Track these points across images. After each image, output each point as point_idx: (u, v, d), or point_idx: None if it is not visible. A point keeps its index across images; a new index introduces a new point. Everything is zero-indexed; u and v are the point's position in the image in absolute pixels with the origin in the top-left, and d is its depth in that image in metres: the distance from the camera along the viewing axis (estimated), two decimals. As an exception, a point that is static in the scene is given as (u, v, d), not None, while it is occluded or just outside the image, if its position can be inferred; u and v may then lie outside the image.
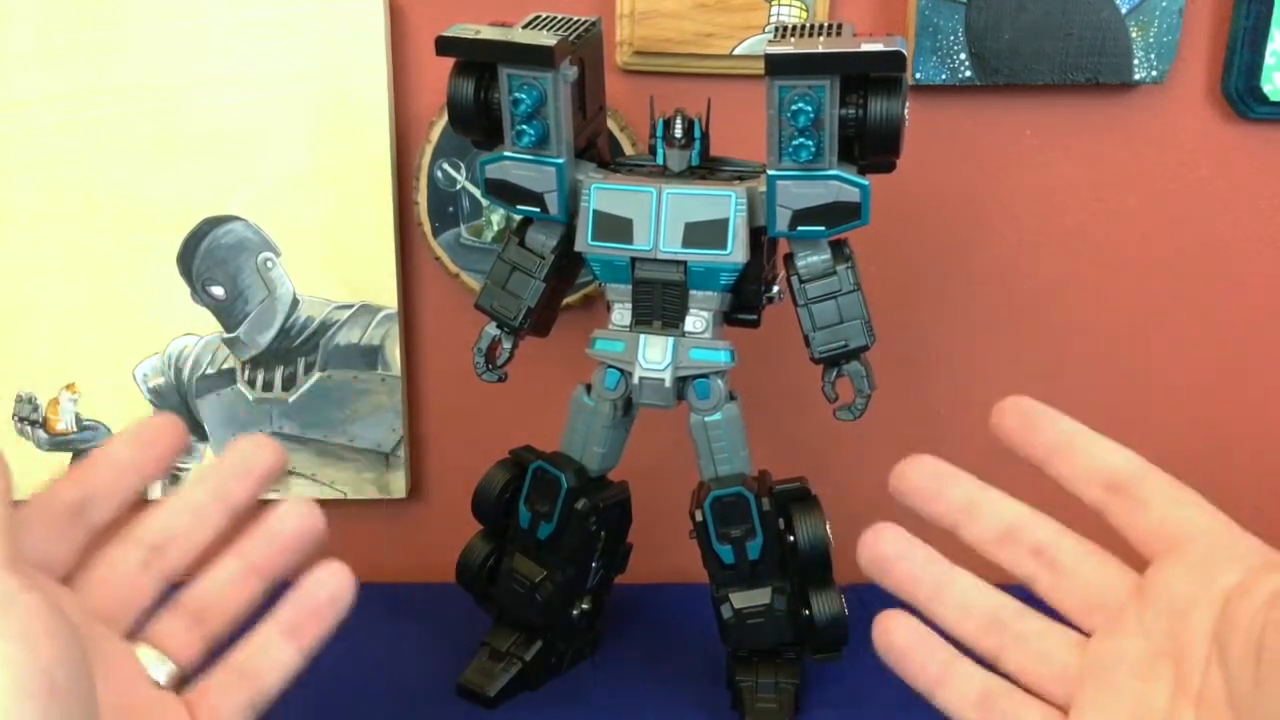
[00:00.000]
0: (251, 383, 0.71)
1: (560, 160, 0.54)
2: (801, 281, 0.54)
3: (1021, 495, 0.38)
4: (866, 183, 0.51)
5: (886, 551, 0.37)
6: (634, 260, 0.55)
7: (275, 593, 0.38)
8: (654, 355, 0.55)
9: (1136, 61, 0.65)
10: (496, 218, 0.69)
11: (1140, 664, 0.34)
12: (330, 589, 0.38)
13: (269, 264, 0.69)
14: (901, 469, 0.37)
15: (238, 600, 0.38)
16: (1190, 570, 0.34)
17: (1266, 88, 0.66)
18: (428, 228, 0.69)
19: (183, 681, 0.36)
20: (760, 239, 0.55)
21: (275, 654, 0.37)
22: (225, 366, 0.71)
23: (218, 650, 0.37)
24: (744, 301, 0.57)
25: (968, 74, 0.65)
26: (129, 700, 0.34)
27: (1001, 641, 0.36)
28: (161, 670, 0.36)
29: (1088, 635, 0.35)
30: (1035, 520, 0.37)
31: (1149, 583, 0.34)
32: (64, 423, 0.71)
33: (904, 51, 0.49)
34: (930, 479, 0.37)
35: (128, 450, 0.38)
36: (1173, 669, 0.33)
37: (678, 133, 0.55)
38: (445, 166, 0.68)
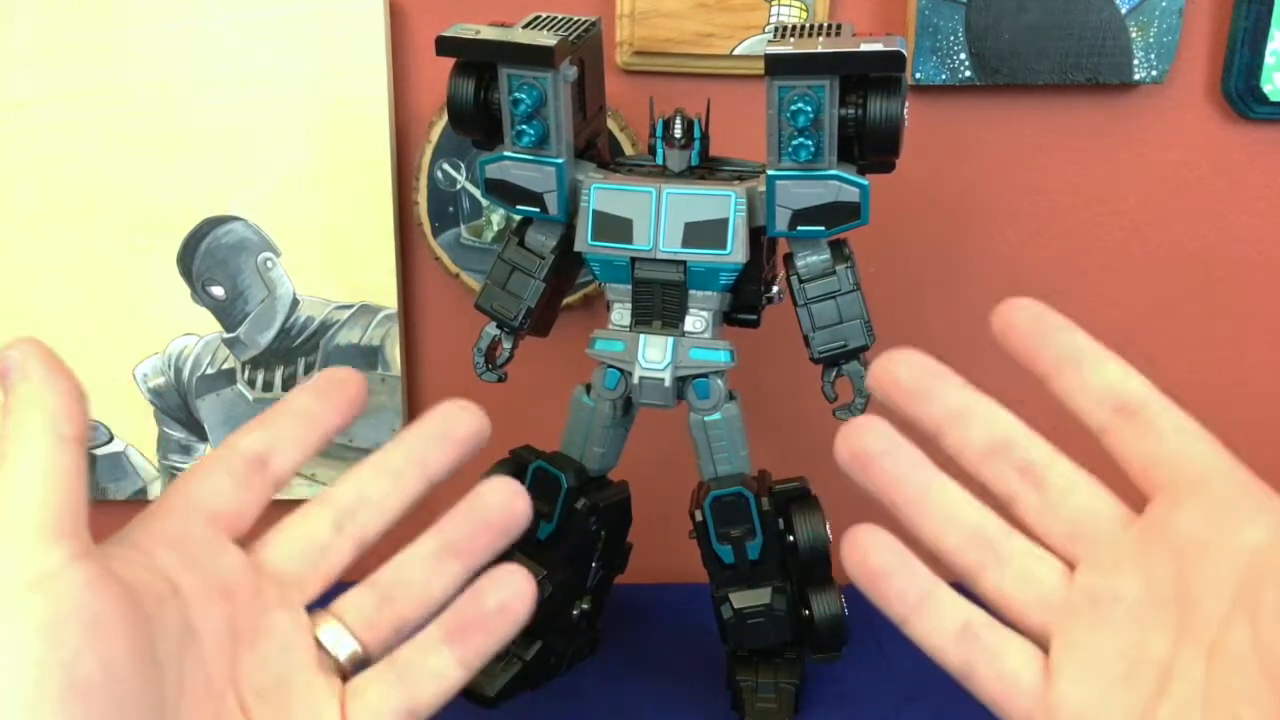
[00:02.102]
0: (251, 383, 0.71)
1: (560, 160, 0.54)
2: (801, 281, 0.54)
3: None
4: (866, 183, 0.51)
5: (870, 447, 0.34)
6: (634, 260, 0.55)
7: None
8: (654, 355, 0.55)
9: (1136, 61, 0.65)
10: (496, 218, 0.69)
11: (1137, 604, 0.31)
12: (504, 596, 0.34)
13: (269, 264, 0.69)
14: (887, 363, 0.34)
15: (434, 584, 0.35)
16: (1206, 514, 0.31)
17: (1266, 88, 0.66)
18: (428, 228, 0.69)
19: (361, 665, 0.34)
20: (760, 239, 0.55)
21: (437, 663, 0.34)
22: (225, 366, 0.71)
23: (407, 637, 0.35)
24: (744, 301, 0.57)
25: (968, 74, 0.65)
26: (283, 683, 0.33)
27: (983, 559, 0.33)
28: (343, 648, 0.34)
29: (1072, 566, 0.33)
30: (1029, 438, 0.34)
31: (1153, 520, 0.32)
32: (64, 423, 0.71)
33: (904, 51, 0.49)
34: (920, 376, 0.34)
35: (310, 401, 0.36)
36: (1177, 616, 0.31)
37: (677, 133, 0.55)
38: (445, 166, 0.68)
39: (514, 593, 0.35)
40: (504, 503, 0.36)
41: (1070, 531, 0.33)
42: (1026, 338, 0.34)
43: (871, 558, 0.34)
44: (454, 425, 0.37)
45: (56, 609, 0.28)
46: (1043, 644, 0.33)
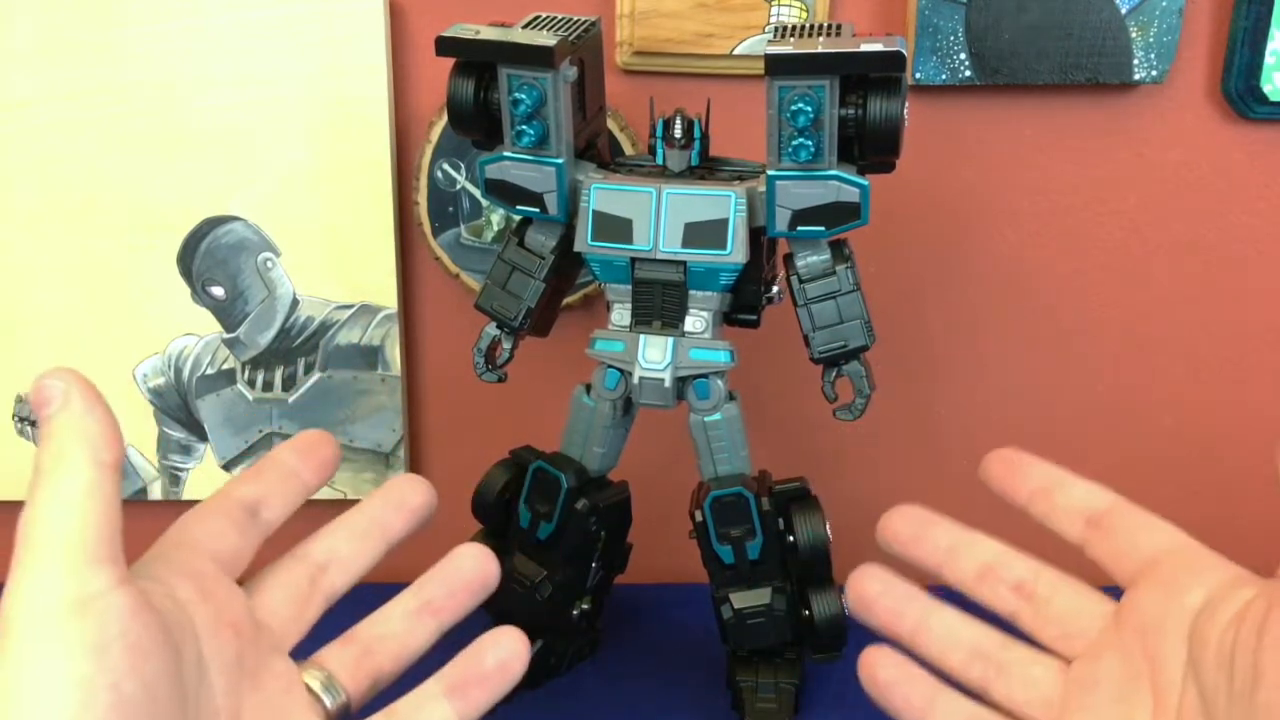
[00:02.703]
0: (251, 383, 0.71)
1: (560, 160, 0.54)
2: (801, 282, 0.54)
3: (1015, 522, 0.39)
4: (866, 183, 0.51)
5: (868, 591, 0.39)
6: (634, 260, 0.55)
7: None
8: (654, 355, 0.55)
9: (1136, 61, 0.65)
10: (496, 218, 0.69)
11: (1119, 685, 0.35)
12: (501, 656, 0.38)
13: (269, 264, 0.69)
14: (885, 519, 0.39)
15: (410, 639, 0.38)
16: (1159, 591, 0.35)
17: (1266, 88, 0.66)
18: (428, 228, 0.69)
19: (346, 714, 0.36)
20: (760, 239, 0.55)
21: (434, 714, 0.37)
22: (225, 366, 0.71)
23: (382, 693, 0.37)
24: (744, 302, 0.57)
25: (968, 74, 0.65)
26: (279, 717, 0.34)
27: (986, 671, 0.37)
28: (331, 698, 0.36)
29: (1068, 662, 0.37)
30: (1013, 558, 0.38)
31: (1124, 607, 0.36)
32: (64, 423, 0.71)
33: (904, 51, 0.49)
34: (912, 526, 0.39)
35: (292, 459, 0.39)
36: (1150, 688, 0.34)
37: (677, 133, 0.55)
38: (445, 166, 0.68)
39: (511, 653, 0.38)
40: (478, 566, 0.40)
41: (1062, 632, 0.37)
42: (1004, 479, 0.39)
43: (880, 674, 0.38)
44: (408, 496, 0.40)
45: (103, 631, 0.29)
46: None
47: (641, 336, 0.55)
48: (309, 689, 0.36)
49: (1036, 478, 0.39)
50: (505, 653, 0.38)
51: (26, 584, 0.29)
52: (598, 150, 0.59)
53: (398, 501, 0.40)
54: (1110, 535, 0.37)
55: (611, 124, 0.66)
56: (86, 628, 0.29)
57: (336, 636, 0.38)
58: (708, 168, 0.56)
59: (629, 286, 0.55)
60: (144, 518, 0.49)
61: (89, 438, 0.31)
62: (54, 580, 0.29)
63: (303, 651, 0.37)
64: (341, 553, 0.38)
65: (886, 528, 0.39)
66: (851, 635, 0.57)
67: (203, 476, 0.72)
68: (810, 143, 0.50)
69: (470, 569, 0.39)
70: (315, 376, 0.71)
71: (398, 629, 0.38)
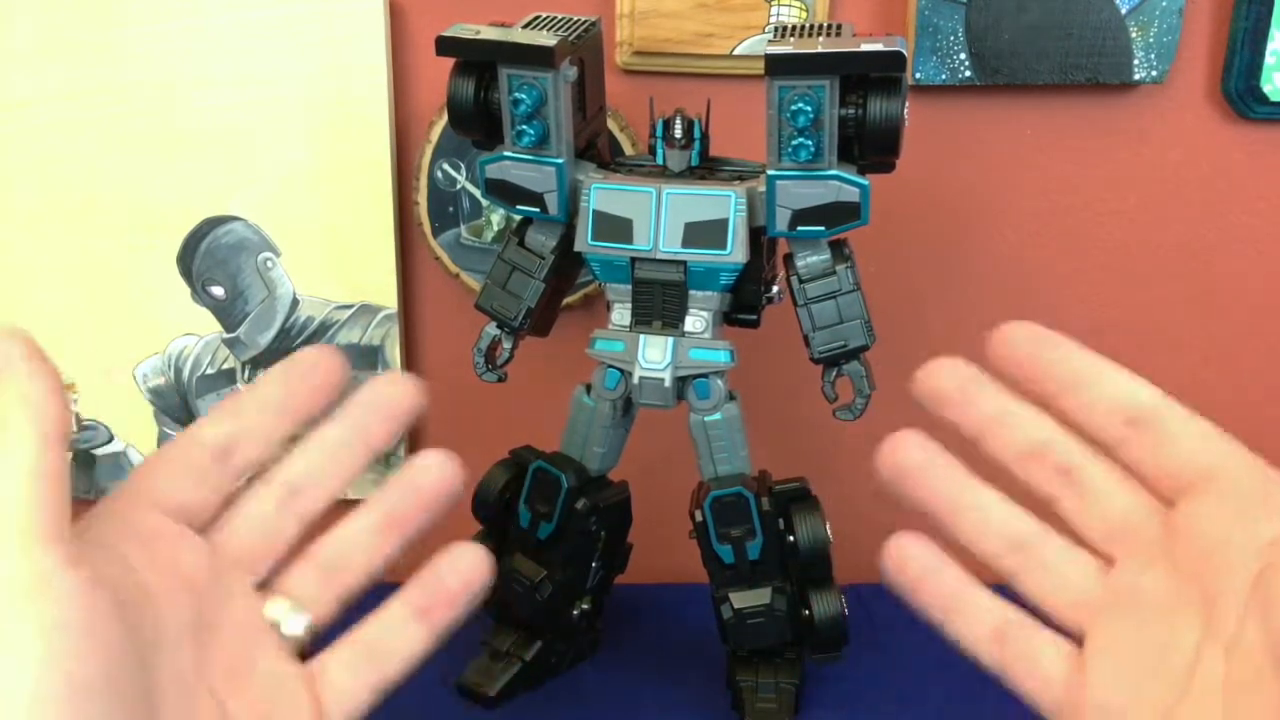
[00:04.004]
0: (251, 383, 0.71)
1: (560, 160, 0.54)
2: (801, 281, 0.54)
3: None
4: (866, 183, 0.51)
5: (908, 460, 0.35)
6: (634, 260, 0.55)
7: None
8: (654, 355, 0.55)
9: (1136, 61, 0.65)
10: (496, 218, 0.69)
11: (1166, 601, 0.32)
12: (465, 572, 0.36)
13: (269, 264, 0.69)
14: (929, 370, 0.35)
15: (374, 556, 0.36)
16: (1224, 509, 0.32)
17: (1266, 88, 0.66)
18: (428, 228, 0.69)
19: (314, 639, 0.34)
20: (760, 239, 0.55)
21: (405, 635, 0.35)
22: (225, 366, 0.71)
23: (349, 609, 0.35)
24: (744, 301, 0.57)
25: (968, 74, 0.65)
26: (249, 666, 0.33)
27: (1020, 561, 0.34)
28: (298, 622, 0.34)
29: (1109, 564, 0.34)
30: (1066, 440, 0.35)
31: (1179, 517, 0.33)
32: (64, 423, 0.71)
33: (904, 51, 0.49)
34: (960, 383, 0.35)
35: (279, 388, 0.35)
36: (1201, 611, 0.31)
37: (677, 133, 0.55)
38: (445, 166, 0.68)
39: (474, 568, 0.36)
40: (438, 472, 0.37)
41: (1107, 530, 0.34)
42: (1028, 362, 0.35)
43: (908, 565, 0.35)
44: (393, 398, 0.37)
45: (57, 613, 0.27)
46: (1079, 640, 0.34)
47: (641, 336, 0.55)
48: (273, 619, 0.34)
49: (1070, 362, 0.34)
50: (468, 568, 0.36)
51: None
52: (598, 150, 0.59)
53: (379, 404, 0.36)
54: (1158, 438, 0.33)
55: (611, 124, 0.66)
56: (37, 612, 0.27)
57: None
58: (708, 168, 0.56)
59: (629, 286, 0.55)
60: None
61: (34, 407, 0.29)
62: (2, 564, 0.27)
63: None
64: (315, 470, 0.36)
65: (928, 382, 0.35)
66: (851, 634, 0.57)
67: (203, 476, 0.72)
68: (810, 142, 0.50)
69: (433, 475, 0.37)
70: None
71: (360, 545, 0.36)
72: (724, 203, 0.53)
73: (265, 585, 0.35)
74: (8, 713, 0.26)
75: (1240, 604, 0.30)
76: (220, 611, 0.33)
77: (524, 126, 0.53)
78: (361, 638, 0.35)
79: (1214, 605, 0.31)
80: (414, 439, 0.74)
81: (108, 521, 0.32)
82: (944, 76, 0.65)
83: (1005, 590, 0.35)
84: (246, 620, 0.34)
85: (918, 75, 0.65)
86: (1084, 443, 0.35)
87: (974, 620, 0.35)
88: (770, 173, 0.52)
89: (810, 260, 0.54)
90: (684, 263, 0.54)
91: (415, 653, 0.35)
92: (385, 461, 0.72)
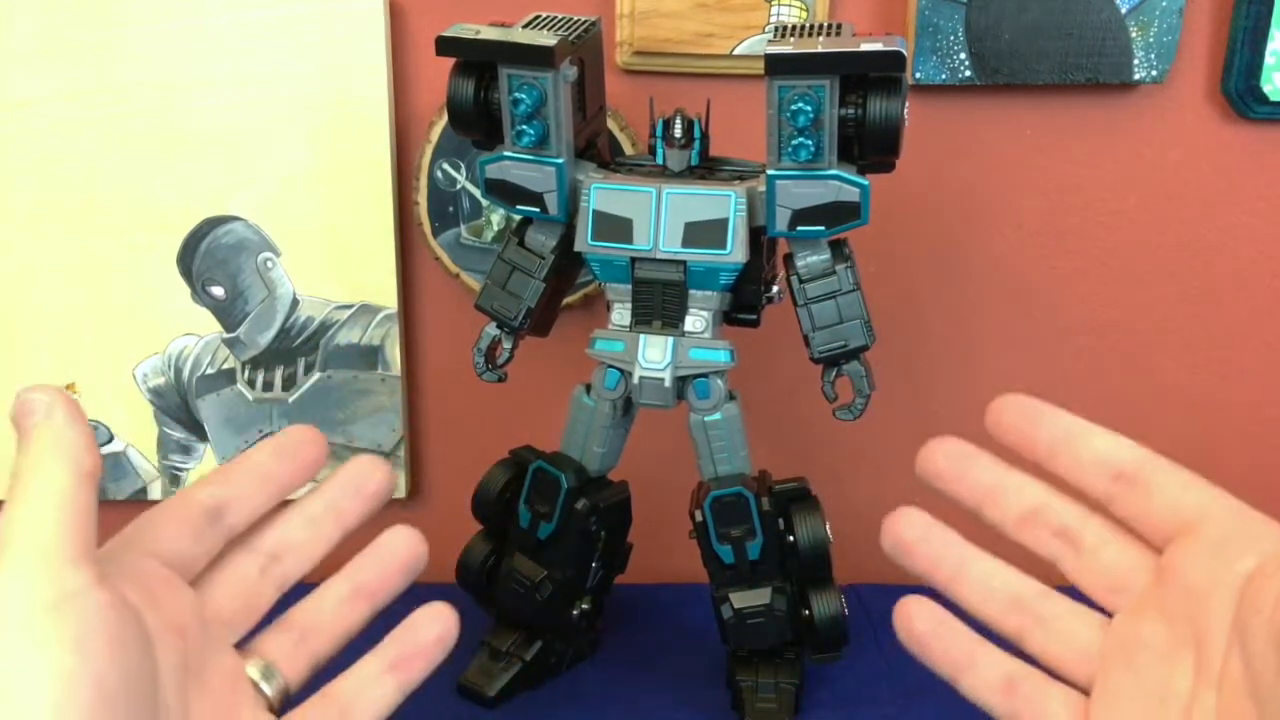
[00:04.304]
0: (251, 383, 0.71)
1: (560, 160, 0.54)
2: (801, 281, 0.54)
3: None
4: (866, 182, 0.51)
5: (907, 535, 0.37)
6: (634, 260, 0.55)
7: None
8: (654, 355, 0.55)
9: (1136, 61, 0.65)
10: (496, 218, 0.69)
11: (1162, 647, 0.33)
12: (437, 630, 0.38)
13: (269, 264, 0.69)
14: (927, 450, 0.38)
15: (345, 622, 0.38)
16: (1206, 552, 0.33)
17: (1266, 88, 0.66)
18: (428, 228, 0.69)
19: (286, 700, 0.36)
20: (760, 239, 0.55)
21: (377, 690, 0.38)
22: (225, 366, 0.71)
23: (319, 673, 0.38)
24: (744, 301, 0.57)
25: (968, 74, 0.65)
26: (226, 715, 0.35)
27: (1024, 622, 0.36)
28: (271, 685, 0.36)
29: (1111, 616, 0.35)
30: (1059, 502, 0.36)
31: (1167, 566, 0.34)
32: (64, 423, 0.71)
33: (904, 51, 0.49)
34: (955, 460, 0.37)
35: (270, 460, 0.38)
36: (1193, 652, 0.33)
37: (677, 133, 0.55)
38: (445, 166, 0.68)
39: (445, 626, 0.39)
40: (408, 547, 0.39)
41: (1107, 584, 0.36)
42: (1018, 431, 0.37)
43: (917, 625, 0.37)
44: (366, 479, 0.40)
45: (85, 625, 0.30)
46: (1086, 691, 0.35)
47: (641, 336, 0.55)
48: (251, 678, 0.36)
49: (1056, 428, 0.36)
50: (441, 626, 0.39)
51: (5, 583, 0.30)
52: (598, 150, 0.59)
53: (355, 486, 0.39)
54: (1143, 491, 0.35)
55: (611, 124, 0.66)
56: (66, 623, 0.29)
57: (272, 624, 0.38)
58: (708, 168, 0.56)
59: (629, 286, 0.55)
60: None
61: (70, 447, 0.32)
62: (33, 579, 0.30)
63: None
64: (295, 541, 0.38)
65: (927, 462, 0.38)
66: (851, 634, 0.57)
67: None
68: (810, 142, 0.50)
69: (401, 551, 0.39)
70: (315, 376, 0.71)
71: (332, 613, 0.38)
72: (724, 202, 0.53)
73: (242, 645, 0.37)
74: (39, 712, 0.28)
75: (1225, 640, 0.32)
76: (205, 662, 0.35)
77: (524, 126, 0.53)
78: (334, 693, 0.37)
79: (1203, 645, 0.32)
80: (414, 439, 0.74)
81: (108, 561, 0.34)
82: (944, 76, 0.65)
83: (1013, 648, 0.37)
84: (230, 674, 0.36)
85: (918, 75, 0.65)
86: (1077, 503, 0.36)
87: (984, 674, 0.36)
88: (770, 172, 0.52)
89: (810, 260, 0.54)
90: (684, 262, 0.54)
91: (386, 707, 0.38)
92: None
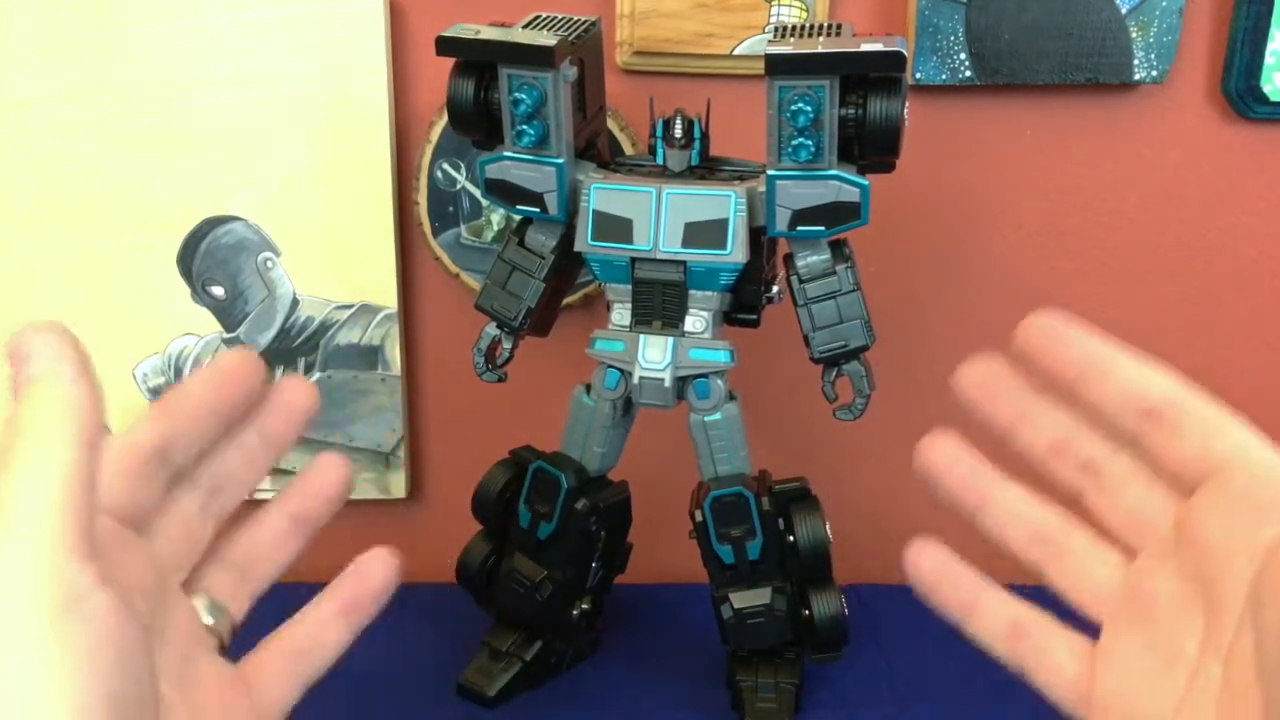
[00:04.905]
0: (251, 383, 0.71)
1: (560, 160, 0.54)
2: (801, 281, 0.54)
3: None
4: (866, 183, 0.51)
5: (938, 459, 0.37)
6: (634, 260, 0.55)
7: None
8: (654, 355, 0.55)
9: (1136, 61, 0.65)
10: (496, 218, 0.69)
11: (1173, 603, 0.32)
12: (383, 572, 0.38)
13: (269, 264, 0.69)
14: (962, 371, 0.37)
15: (281, 555, 0.38)
16: (1227, 510, 0.31)
17: (1266, 88, 0.66)
18: (428, 228, 0.69)
19: (234, 634, 0.36)
20: (760, 239, 0.55)
21: (331, 632, 0.37)
22: (225, 366, 0.71)
23: (258, 606, 0.37)
24: (744, 301, 0.57)
25: (968, 74, 0.65)
26: (189, 667, 0.33)
27: (1046, 554, 0.35)
28: (220, 622, 0.35)
29: (1131, 557, 0.34)
30: (1087, 435, 0.35)
31: (1187, 517, 0.33)
32: (64, 423, 0.71)
33: (904, 51, 0.49)
34: (990, 382, 0.37)
35: (208, 389, 0.36)
36: (1203, 616, 0.31)
37: (677, 133, 0.55)
38: (445, 166, 0.68)
39: (389, 568, 0.38)
40: (336, 474, 0.39)
41: (1128, 523, 0.34)
42: (1046, 351, 0.36)
43: (925, 568, 0.36)
44: (292, 399, 0.38)
45: (93, 632, 0.27)
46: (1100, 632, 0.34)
47: (641, 336, 0.55)
48: (204, 619, 0.35)
49: (1086, 351, 0.35)
50: (384, 568, 0.38)
51: (7, 581, 0.26)
52: (598, 150, 0.59)
53: (283, 406, 0.38)
54: (1171, 431, 0.33)
55: (611, 124, 0.66)
56: (76, 633, 0.26)
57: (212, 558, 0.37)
58: (708, 168, 0.56)
59: (629, 286, 0.55)
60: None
61: (77, 411, 0.28)
62: (39, 579, 0.26)
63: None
64: (230, 471, 0.37)
65: (963, 381, 0.37)
66: (851, 634, 0.57)
67: (203, 476, 0.72)
68: (810, 142, 0.50)
69: (329, 481, 0.39)
70: (315, 376, 0.71)
71: (268, 548, 0.38)
72: (724, 203, 0.53)
73: (186, 584, 0.36)
74: None
75: (1238, 611, 0.30)
76: (165, 615, 0.33)
77: (524, 126, 0.53)
78: (288, 635, 0.37)
79: (1216, 610, 0.31)
80: (415, 439, 0.74)
81: None
82: (944, 76, 0.65)
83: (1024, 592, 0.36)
84: (185, 622, 0.34)
85: (918, 75, 0.65)
86: (1108, 437, 0.35)
87: (990, 618, 0.36)
88: (770, 173, 0.52)
89: (810, 260, 0.54)
90: (684, 263, 0.54)
91: (339, 648, 0.37)
92: (385, 462, 0.72)
